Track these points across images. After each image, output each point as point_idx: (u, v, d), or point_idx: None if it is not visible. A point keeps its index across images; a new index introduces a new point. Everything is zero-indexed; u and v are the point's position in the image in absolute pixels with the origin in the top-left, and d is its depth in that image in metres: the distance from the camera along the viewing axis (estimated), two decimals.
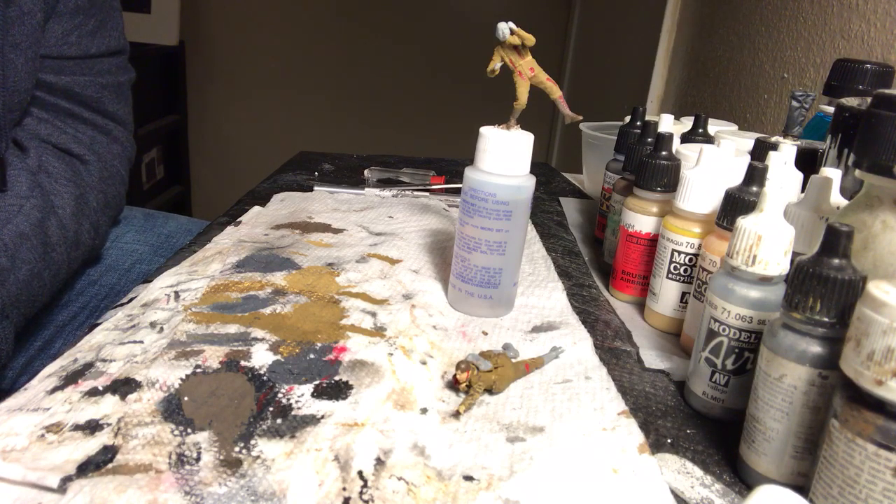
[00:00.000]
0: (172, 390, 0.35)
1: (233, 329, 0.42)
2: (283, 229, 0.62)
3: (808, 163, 0.51)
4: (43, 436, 0.31)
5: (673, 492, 0.32)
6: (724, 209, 0.42)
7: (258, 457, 0.31)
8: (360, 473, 0.31)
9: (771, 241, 0.35)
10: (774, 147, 0.49)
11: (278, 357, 0.39)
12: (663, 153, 0.50)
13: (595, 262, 0.63)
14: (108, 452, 0.31)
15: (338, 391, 0.36)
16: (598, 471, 0.33)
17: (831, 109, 0.51)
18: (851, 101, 0.47)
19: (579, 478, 0.32)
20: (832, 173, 0.43)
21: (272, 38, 2.39)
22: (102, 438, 0.31)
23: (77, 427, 0.32)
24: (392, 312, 0.46)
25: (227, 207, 0.71)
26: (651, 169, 0.50)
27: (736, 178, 0.42)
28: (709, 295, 0.38)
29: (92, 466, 0.30)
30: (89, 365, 0.38)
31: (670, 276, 0.48)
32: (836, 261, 0.29)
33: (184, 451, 0.31)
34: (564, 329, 0.48)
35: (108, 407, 0.34)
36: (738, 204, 0.41)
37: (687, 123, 0.66)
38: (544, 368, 0.42)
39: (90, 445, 0.31)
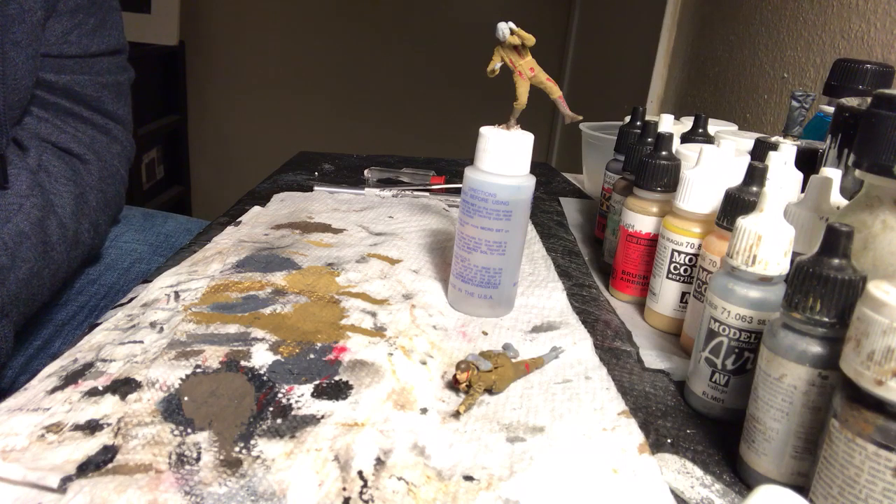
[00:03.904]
0: (172, 390, 0.35)
1: (233, 329, 0.42)
2: (283, 229, 0.62)
3: (808, 163, 0.51)
4: (43, 436, 0.31)
5: (673, 492, 0.32)
6: (724, 209, 0.42)
7: (258, 457, 0.31)
8: (360, 473, 0.31)
9: (771, 241, 0.35)
10: (774, 147, 0.50)
11: (278, 357, 0.39)
12: (663, 153, 0.50)
13: (595, 262, 0.63)
14: (108, 452, 0.31)
15: (338, 391, 0.36)
16: (598, 471, 0.33)
17: (831, 109, 0.51)
18: (851, 101, 0.47)
19: (579, 478, 0.32)
20: (832, 173, 0.43)
21: (272, 38, 2.39)
22: (102, 438, 0.31)
23: (77, 427, 0.32)
24: (392, 312, 0.46)
25: (227, 207, 0.71)
26: (651, 169, 0.50)
27: (736, 178, 0.42)
28: (709, 295, 0.38)
29: (92, 466, 0.30)
30: (89, 365, 0.38)
31: (670, 276, 0.48)
32: (836, 261, 0.29)
33: (184, 451, 0.31)
34: (564, 329, 0.48)
35: (108, 407, 0.34)
36: (738, 204, 0.41)
37: (687, 123, 0.66)
38: (544, 368, 0.42)
39: (90, 445, 0.31)
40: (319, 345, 0.41)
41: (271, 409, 0.35)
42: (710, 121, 0.67)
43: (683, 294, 0.48)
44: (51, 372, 0.37)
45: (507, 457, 0.33)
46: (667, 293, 0.48)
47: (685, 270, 0.47)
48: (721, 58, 1.16)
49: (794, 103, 0.54)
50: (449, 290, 0.51)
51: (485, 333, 0.47)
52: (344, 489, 0.30)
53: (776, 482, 0.31)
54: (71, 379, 0.36)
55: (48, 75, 0.59)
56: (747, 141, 0.55)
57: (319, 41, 2.39)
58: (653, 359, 0.45)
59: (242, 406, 0.35)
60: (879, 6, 0.78)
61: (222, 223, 0.65)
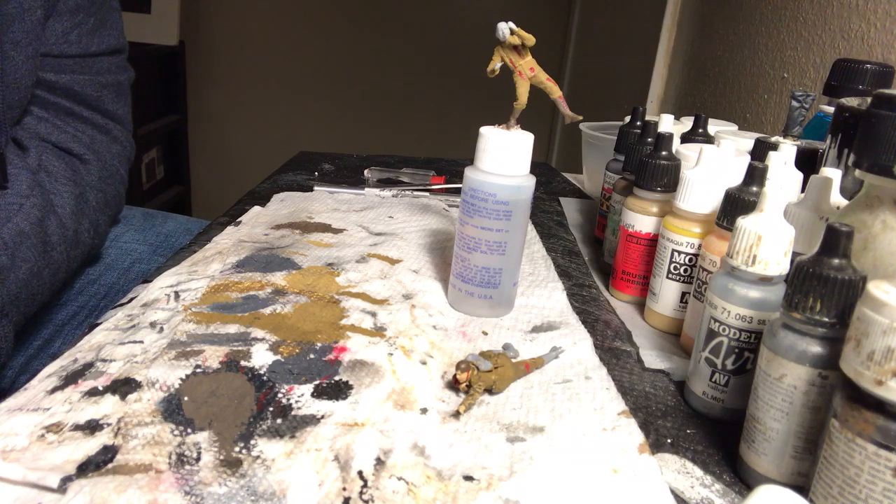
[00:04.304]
0: (172, 390, 0.35)
1: (233, 329, 0.42)
2: (283, 229, 0.62)
3: (808, 163, 0.51)
4: (43, 436, 0.31)
5: (673, 492, 0.32)
6: (724, 209, 0.42)
7: (258, 457, 0.31)
8: (360, 473, 0.31)
9: (771, 241, 0.35)
10: (774, 147, 0.50)
11: (278, 357, 0.39)
12: (663, 153, 0.50)
13: (595, 262, 0.63)
14: (108, 452, 0.31)
15: (338, 391, 0.36)
16: (598, 471, 0.33)
17: (831, 109, 0.51)
18: (851, 101, 0.47)
19: (579, 478, 0.32)
20: (832, 173, 0.43)
21: (272, 38, 2.39)
22: (102, 438, 0.31)
23: (77, 427, 0.32)
24: (392, 312, 0.46)
25: (227, 207, 0.71)
26: (651, 169, 0.50)
27: (736, 178, 0.42)
28: (709, 295, 0.38)
29: (92, 466, 0.30)
30: (89, 365, 0.38)
31: (670, 276, 0.48)
32: (836, 261, 0.29)
33: (184, 451, 0.31)
34: (564, 329, 0.48)
35: (108, 407, 0.34)
36: (738, 204, 0.41)
37: (687, 123, 0.66)
38: (544, 368, 0.42)
39: (90, 445, 0.31)
40: (319, 345, 0.41)
41: (271, 409, 0.35)
42: (710, 121, 0.67)
43: (683, 294, 0.48)
44: (51, 372, 0.37)
45: (507, 457, 0.33)
46: (667, 293, 0.48)
47: (685, 270, 0.47)
48: (721, 58, 1.16)
49: (794, 103, 0.54)
50: (449, 290, 0.51)
51: (485, 333, 0.47)
52: (344, 489, 0.30)
53: (776, 482, 0.31)
54: (71, 379, 0.36)
55: (48, 75, 0.59)
56: (747, 141, 0.55)
57: (319, 41, 2.39)
58: (653, 359, 0.45)
59: (242, 406, 0.35)
60: (879, 6, 0.78)
61: (222, 223, 0.65)
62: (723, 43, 1.16)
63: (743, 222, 0.36)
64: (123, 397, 0.34)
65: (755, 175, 0.41)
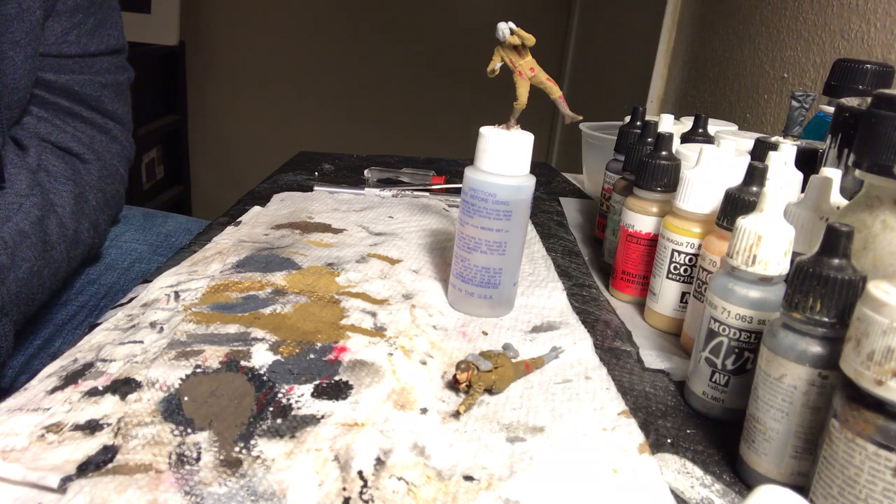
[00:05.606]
0: (172, 390, 0.35)
1: (233, 329, 0.42)
2: (283, 229, 0.62)
3: (808, 163, 0.51)
4: (43, 436, 0.31)
5: (673, 492, 0.32)
6: (724, 209, 0.42)
7: (258, 457, 0.31)
8: (360, 473, 0.31)
9: (771, 241, 0.35)
10: (774, 147, 0.50)
11: (278, 357, 0.39)
12: (663, 153, 0.50)
13: (595, 262, 0.63)
14: (108, 452, 0.31)
15: (338, 391, 0.36)
16: (598, 471, 0.33)
17: (831, 109, 0.51)
18: (851, 101, 0.47)
19: (579, 478, 0.32)
20: (832, 173, 0.43)
21: (272, 38, 2.39)
22: (102, 438, 0.31)
23: (77, 427, 0.32)
24: (392, 312, 0.46)
25: (227, 207, 0.71)
26: (651, 169, 0.50)
27: (736, 178, 0.42)
28: (709, 295, 0.38)
29: (92, 466, 0.30)
30: (89, 365, 0.38)
31: (670, 276, 0.48)
32: (836, 261, 0.29)
33: (184, 451, 0.31)
34: (564, 329, 0.48)
35: (108, 407, 0.34)
36: (738, 204, 0.41)
37: (687, 123, 0.66)
38: (544, 368, 0.42)
39: (90, 445, 0.31)
40: (319, 345, 0.41)
41: (271, 409, 0.35)
42: (710, 121, 0.67)
43: (683, 294, 0.48)
44: (51, 372, 0.37)
45: (507, 457, 0.33)
46: (667, 293, 0.48)
47: (685, 270, 0.47)
48: (721, 58, 1.16)
49: (794, 103, 0.53)
50: (449, 290, 0.51)
51: (485, 333, 0.47)
52: (344, 489, 0.30)
53: (776, 482, 0.31)
54: (71, 379, 0.36)
55: (48, 75, 0.59)
56: (747, 141, 0.55)
57: (319, 41, 2.39)
58: (653, 359, 0.45)
59: (242, 406, 0.35)
60: (879, 6, 0.78)
61: (222, 223, 0.65)
62: (723, 43, 1.16)
63: (743, 222, 0.36)
64: (123, 397, 0.34)
65: (755, 175, 0.41)
